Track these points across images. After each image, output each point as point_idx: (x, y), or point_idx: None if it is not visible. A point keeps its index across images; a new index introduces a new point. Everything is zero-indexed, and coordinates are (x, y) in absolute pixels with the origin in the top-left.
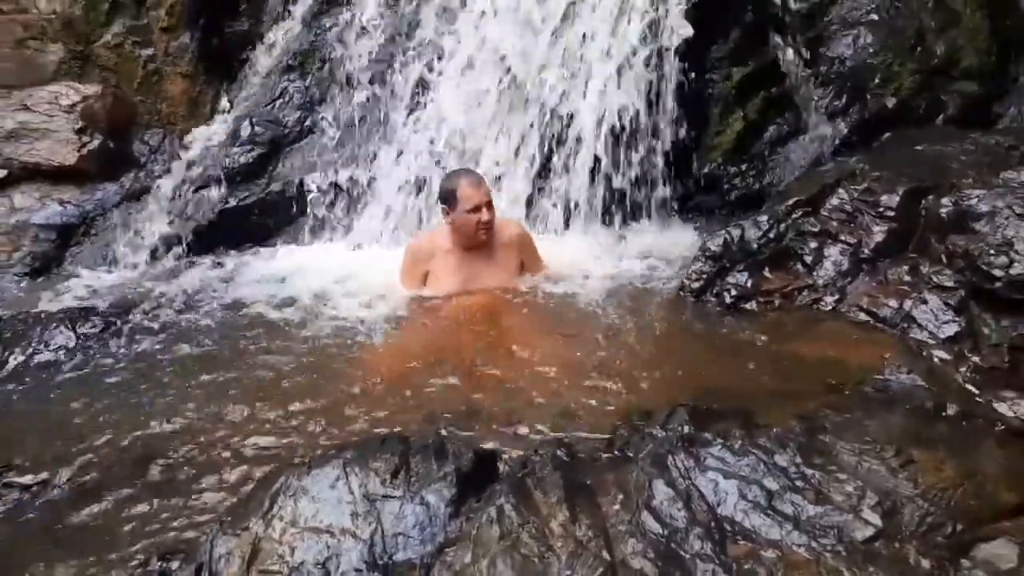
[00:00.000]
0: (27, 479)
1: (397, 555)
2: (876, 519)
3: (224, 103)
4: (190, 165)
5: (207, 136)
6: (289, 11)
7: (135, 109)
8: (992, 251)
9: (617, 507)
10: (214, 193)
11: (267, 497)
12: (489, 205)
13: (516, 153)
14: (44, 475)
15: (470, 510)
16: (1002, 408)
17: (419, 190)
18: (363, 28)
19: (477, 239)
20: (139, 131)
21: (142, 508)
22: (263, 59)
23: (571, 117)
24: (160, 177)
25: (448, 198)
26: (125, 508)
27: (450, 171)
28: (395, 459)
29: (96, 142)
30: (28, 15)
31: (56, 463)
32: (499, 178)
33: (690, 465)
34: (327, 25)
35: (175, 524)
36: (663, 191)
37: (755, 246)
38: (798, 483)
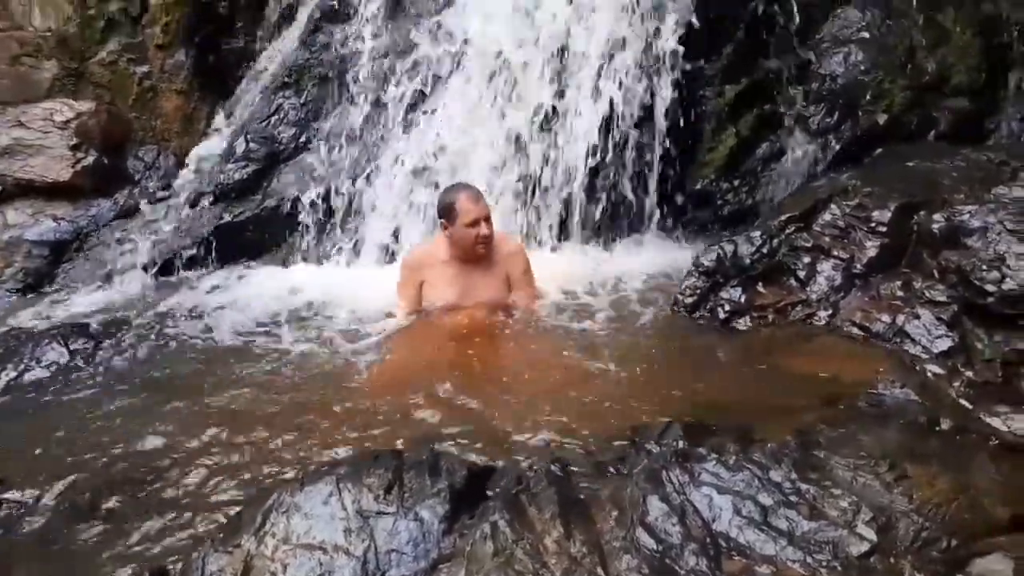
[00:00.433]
0: (18, 496)
1: (390, 572)
2: (871, 534)
3: (219, 120)
4: (184, 181)
5: (202, 152)
6: (285, 28)
7: (129, 126)
8: (984, 266)
9: (612, 523)
10: (208, 209)
11: (259, 514)
12: (487, 219)
13: (510, 170)
14: (35, 492)
15: (464, 526)
16: (995, 423)
17: (413, 206)
18: (359, 45)
19: (475, 253)
20: (133, 148)
21: (133, 525)
22: (259, 76)
23: (564, 134)
24: (154, 193)
25: (446, 212)
26: (116, 525)
27: (448, 185)
28: (388, 475)
29: (90, 158)
30: (23, 32)
31: (47, 480)
32: (498, 195)
33: (685, 480)
34: (323, 42)
35: (167, 541)
36: (656, 207)
37: (748, 261)
38: (793, 498)
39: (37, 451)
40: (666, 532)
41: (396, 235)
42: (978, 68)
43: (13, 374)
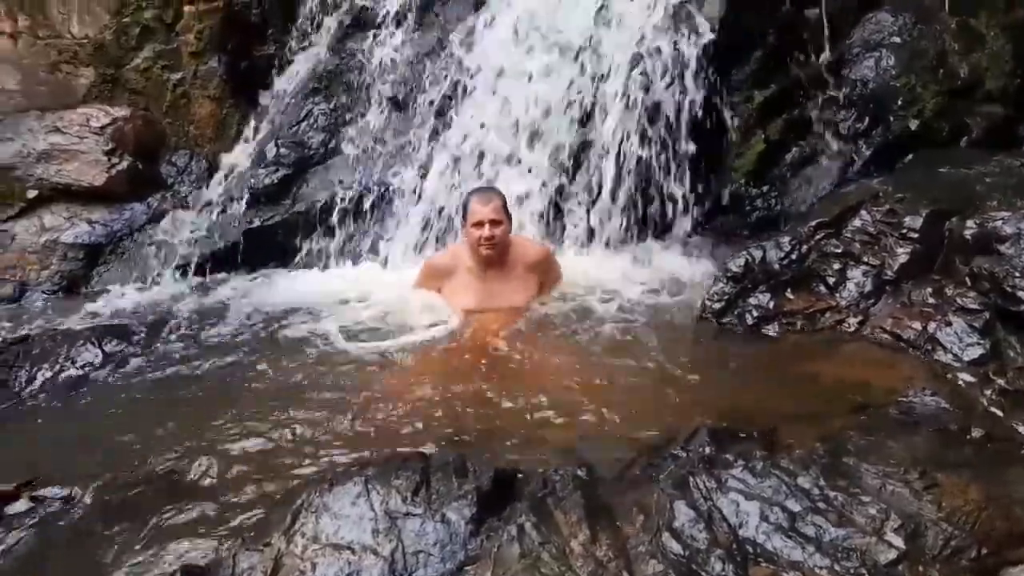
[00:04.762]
0: (53, 493)
1: (417, 572)
2: (899, 542)
3: (250, 125)
4: (216, 186)
5: (233, 158)
6: (316, 35)
7: (163, 131)
8: (1018, 273)
9: (638, 528)
10: (239, 213)
11: (289, 513)
12: (494, 223)
13: (537, 174)
14: (70, 490)
15: (490, 528)
16: None
17: (441, 210)
18: (388, 51)
19: (479, 253)
20: (167, 153)
21: (166, 523)
22: (289, 82)
23: (592, 137)
24: (186, 198)
25: (463, 212)
26: (149, 522)
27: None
28: (416, 477)
29: (125, 163)
30: (61, 39)
31: (82, 478)
32: (524, 196)
33: (712, 486)
34: (352, 49)
35: (198, 539)
36: (684, 212)
37: (777, 267)
38: (821, 505)
39: (71, 450)
40: (692, 538)
41: (424, 237)
42: (1012, 73)
43: (49, 374)
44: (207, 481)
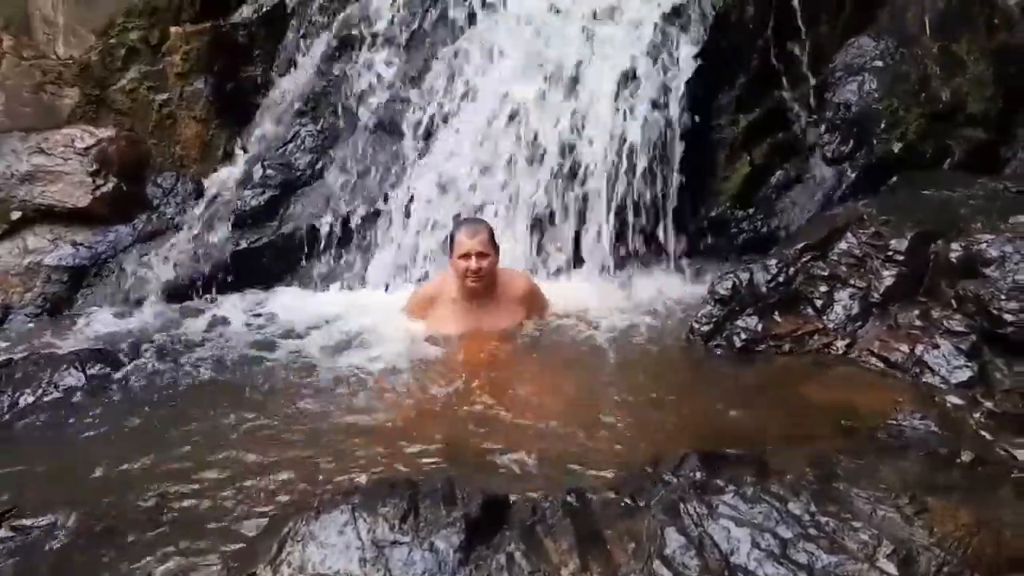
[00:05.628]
0: (35, 521)
1: None
2: (892, 568)
3: (237, 146)
4: (202, 208)
5: (220, 179)
6: (302, 56)
7: (149, 152)
8: (1003, 296)
9: (629, 555)
10: (225, 236)
11: (275, 542)
12: (480, 255)
13: (524, 199)
14: (52, 517)
15: (479, 557)
16: (1018, 454)
17: (426, 233)
18: (375, 74)
19: (466, 285)
20: (152, 174)
21: (149, 552)
22: (276, 103)
23: (578, 162)
24: (172, 219)
25: (450, 243)
26: (132, 551)
27: (464, 218)
28: (404, 504)
29: (110, 184)
30: (46, 60)
31: (64, 505)
32: (511, 224)
33: (703, 512)
34: (339, 70)
35: (182, 569)
36: (671, 235)
37: (764, 290)
38: (812, 531)
39: (54, 476)
40: (684, 565)
41: (411, 261)
42: (993, 98)
43: (31, 399)
44: (191, 508)
